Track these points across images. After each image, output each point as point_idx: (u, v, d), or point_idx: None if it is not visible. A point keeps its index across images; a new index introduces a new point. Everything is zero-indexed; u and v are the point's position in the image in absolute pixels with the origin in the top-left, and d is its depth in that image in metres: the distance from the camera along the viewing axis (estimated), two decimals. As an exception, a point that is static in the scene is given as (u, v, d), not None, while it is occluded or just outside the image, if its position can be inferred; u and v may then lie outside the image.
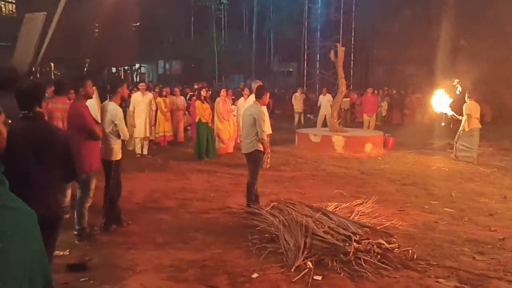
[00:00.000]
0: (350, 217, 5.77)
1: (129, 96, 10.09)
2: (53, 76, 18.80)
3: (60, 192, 3.48)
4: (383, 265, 4.48)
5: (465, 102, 10.72)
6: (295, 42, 35.08)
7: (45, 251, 2.06)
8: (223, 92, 11.88)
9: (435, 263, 4.64)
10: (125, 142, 11.01)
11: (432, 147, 12.61)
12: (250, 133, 6.34)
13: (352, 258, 4.49)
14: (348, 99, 18.45)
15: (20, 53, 7.51)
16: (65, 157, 3.23)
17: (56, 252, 4.81)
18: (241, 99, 11.84)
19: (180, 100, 13.13)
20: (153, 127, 11.77)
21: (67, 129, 5.45)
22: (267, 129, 9.69)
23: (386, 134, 13.11)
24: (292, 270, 4.38)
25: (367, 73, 36.32)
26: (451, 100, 10.67)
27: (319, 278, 4.26)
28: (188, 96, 14.41)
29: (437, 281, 4.24)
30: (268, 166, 9.67)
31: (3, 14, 22.76)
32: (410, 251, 4.80)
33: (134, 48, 13.23)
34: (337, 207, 6.37)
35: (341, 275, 4.33)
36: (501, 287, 4.18)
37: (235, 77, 37.05)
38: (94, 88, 5.55)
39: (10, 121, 2.42)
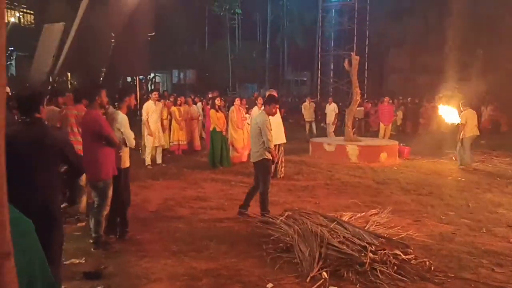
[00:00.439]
0: (365, 227, 5.70)
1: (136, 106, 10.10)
2: (69, 85, 19.09)
3: (58, 192, 3.64)
4: (400, 277, 4.41)
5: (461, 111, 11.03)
6: (309, 51, 35.15)
7: (45, 259, 2.07)
8: (237, 101, 11.92)
9: (453, 275, 4.56)
10: (140, 150, 11.08)
11: (448, 157, 12.46)
12: (257, 142, 6.43)
13: (368, 269, 4.43)
14: (362, 108, 18.39)
15: (38, 63, 7.65)
16: (63, 157, 3.49)
17: (72, 260, 4.87)
18: (255, 108, 11.83)
19: (194, 109, 13.21)
20: (166, 135, 11.78)
21: (81, 137, 5.51)
22: (279, 138, 9.72)
23: (401, 144, 13.02)
24: (307, 281, 4.35)
25: (381, 82, 36.17)
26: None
27: (335, 288, 4.22)
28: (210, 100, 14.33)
29: (455, 293, 4.18)
30: (282, 175, 9.65)
31: (22, 25, 23.20)
32: (427, 262, 4.73)
33: (149, 57, 13.36)
34: (352, 217, 6.31)
35: (357, 286, 4.28)
36: (521, 300, 4.10)
37: (249, 86, 37.21)
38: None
39: None
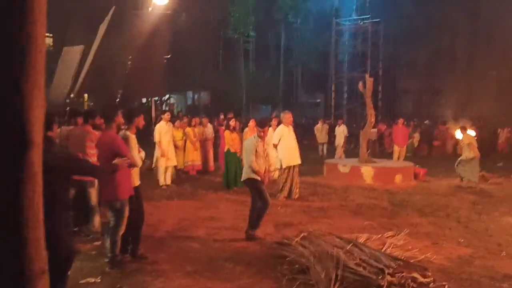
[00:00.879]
0: (382, 249, 5.63)
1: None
2: (86, 106, 19.40)
3: (66, 208, 3.80)
4: (418, 300, 4.34)
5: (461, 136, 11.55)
6: (322, 73, 35.34)
7: None
8: (251, 122, 11.97)
9: (473, 299, 4.47)
10: (153, 170, 11.13)
11: (465, 179, 12.28)
12: (245, 161, 6.66)
13: (385, 292, 4.36)
14: (375, 129, 18.33)
15: (57, 84, 7.81)
16: (70, 174, 3.72)
17: (88, 279, 4.89)
18: (270, 129, 11.89)
19: (209, 130, 13.30)
20: (180, 156, 11.83)
21: (98, 157, 5.56)
22: (294, 160, 9.71)
23: (417, 165, 12.90)
24: (324, 303, 4.29)
25: (394, 104, 36.13)
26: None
27: (352, 311, 4.15)
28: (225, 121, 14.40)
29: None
30: (296, 196, 9.62)
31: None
32: (446, 286, 4.65)
33: (164, 79, 13.57)
34: (368, 238, 6.22)
35: (375, 309, 4.21)
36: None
37: (263, 107, 37.37)
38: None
39: None
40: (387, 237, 6.38)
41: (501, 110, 23.95)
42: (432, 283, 4.66)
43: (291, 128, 9.95)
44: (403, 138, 15.55)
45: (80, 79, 7.65)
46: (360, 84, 12.94)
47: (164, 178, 10.75)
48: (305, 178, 11.70)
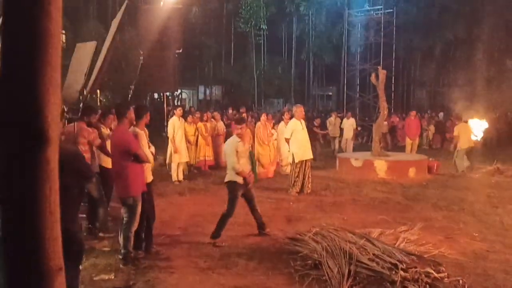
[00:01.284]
0: (395, 244, 5.59)
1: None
2: (99, 102, 19.53)
3: (75, 203, 3.85)
4: (432, 296, 4.31)
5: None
6: (334, 65, 35.11)
7: None
8: (263, 116, 11.97)
9: (488, 295, 4.42)
10: (167, 167, 11.20)
11: (480, 171, 12.15)
12: (227, 164, 6.37)
13: (399, 287, 4.34)
14: (385, 122, 18.15)
15: (70, 81, 7.84)
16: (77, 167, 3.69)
17: (102, 276, 4.94)
18: (282, 123, 11.89)
19: (221, 125, 13.31)
20: (192, 151, 11.88)
21: (111, 154, 5.60)
22: (306, 154, 9.67)
23: (430, 159, 12.77)
24: (337, 299, 4.28)
25: (408, 96, 35.79)
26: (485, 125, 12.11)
27: (365, 307, 4.13)
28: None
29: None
30: (309, 191, 9.60)
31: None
32: (461, 281, 4.60)
33: (176, 74, 13.58)
34: (381, 233, 6.18)
35: (388, 305, 4.19)
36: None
37: (275, 101, 37.30)
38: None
39: None
40: (401, 232, 6.33)
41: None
42: (446, 278, 4.62)
43: (303, 122, 9.90)
44: (415, 131, 15.44)
45: (93, 76, 7.68)
46: (373, 76, 12.84)
47: (177, 174, 10.81)
48: (318, 172, 11.66)
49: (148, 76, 13.40)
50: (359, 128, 16.89)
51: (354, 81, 31.10)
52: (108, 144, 6.65)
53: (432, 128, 19.98)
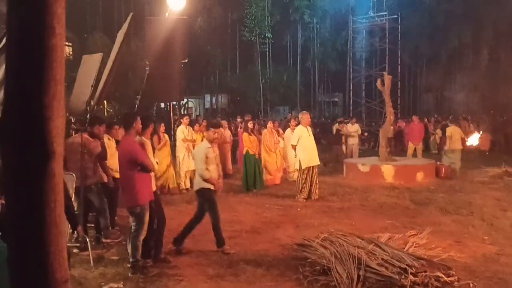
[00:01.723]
0: (404, 248, 5.56)
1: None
2: (106, 113, 19.67)
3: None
4: (442, 300, 4.27)
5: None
6: (340, 72, 35.16)
7: None
8: (269, 124, 12.00)
9: (499, 298, 4.38)
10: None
11: (487, 175, 12.07)
12: (196, 170, 6.23)
13: (408, 292, 4.31)
14: (391, 128, 18.06)
15: (77, 93, 7.91)
16: None
17: (111, 285, 4.95)
18: (288, 130, 11.91)
19: (228, 133, 13.34)
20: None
21: (119, 163, 5.64)
22: (313, 160, 9.66)
23: (438, 162, 12.71)
24: (346, 304, 4.26)
25: (415, 101, 35.69)
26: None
27: (375, 312, 4.11)
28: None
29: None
30: (316, 197, 9.58)
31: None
32: (471, 284, 4.57)
33: (182, 84, 13.66)
34: (390, 238, 6.16)
35: (398, 309, 4.16)
36: None
37: (281, 108, 37.34)
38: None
39: None
40: (410, 236, 6.31)
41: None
42: (456, 282, 4.59)
43: (309, 128, 9.91)
44: (418, 135, 15.39)
45: (100, 87, 7.73)
46: (379, 82, 12.84)
47: (184, 182, 10.85)
48: (325, 178, 11.64)
49: (154, 86, 13.49)
50: (365, 134, 16.78)
51: (360, 87, 31.10)
52: (114, 155, 6.72)
53: (439, 132, 19.87)
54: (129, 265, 5.34)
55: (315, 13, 34.65)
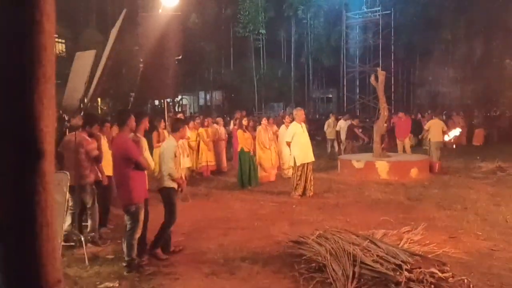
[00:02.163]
0: (399, 244, 5.58)
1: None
2: (100, 110, 19.57)
3: None
4: (437, 296, 4.29)
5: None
6: (334, 68, 35.17)
7: None
8: (264, 120, 11.99)
9: (493, 293, 4.41)
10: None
11: (481, 170, 12.14)
12: (161, 167, 5.90)
13: (403, 288, 4.33)
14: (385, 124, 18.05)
15: (71, 90, 7.85)
16: None
17: (106, 284, 4.94)
18: (282, 126, 11.91)
19: (223, 130, 13.32)
20: (191, 157, 11.89)
21: (113, 162, 5.61)
22: (308, 157, 9.65)
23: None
24: (342, 301, 4.27)
25: (408, 96, 35.79)
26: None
27: (370, 309, 4.12)
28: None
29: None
30: (311, 193, 9.59)
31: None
32: (466, 280, 4.58)
33: (176, 80, 13.61)
34: (385, 234, 6.17)
35: (393, 306, 4.17)
36: None
37: (275, 105, 37.32)
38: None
39: None
40: (404, 232, 6.32)
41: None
42: (451, 278, 4.60)
43: (304, 125, 9.91)
44: (404, 131, 15.40)
45: (93, 84, 7.68)
46: (372, 78, 12.86)
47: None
48: (319, 174, 11.66)
49: (148, 83, 13.39)
50: (360, 130, 16.78)
51: (354, 83, 31.19)
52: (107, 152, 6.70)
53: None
54: (124, 264, 5.33)
55: (308, 8, 34.59)
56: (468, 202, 8.57)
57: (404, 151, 14.84)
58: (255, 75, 34.03)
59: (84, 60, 8.42)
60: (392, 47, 29.71)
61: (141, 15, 14.70)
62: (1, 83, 1.61)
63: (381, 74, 12.51)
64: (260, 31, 34.05)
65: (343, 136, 16.05)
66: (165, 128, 10.65)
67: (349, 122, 16.51)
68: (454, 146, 17.51)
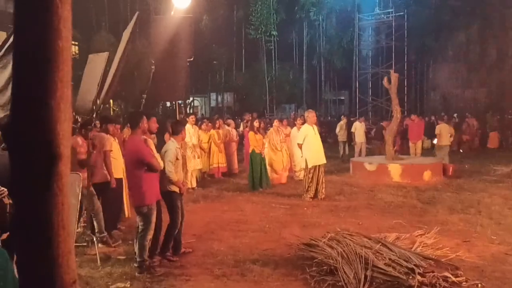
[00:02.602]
0: (411, 248, 5.53)
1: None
2: (112, 112, 19.72)
3: None
4: (451, 300, 4.24)
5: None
6: (346, 70, 35.01)
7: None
8: (275, 122, 11.98)
9: (508, 299, 4.34)
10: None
11: (496, 173, 11.98)
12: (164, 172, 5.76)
13: (416, 293, 4.28)
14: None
15: (84, 92, 7.94)
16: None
17: (118, 284, 4.96)
18: (294, 128, 11.88)
19: (234, 132, 13.33)
20: (205, 158, 11.93)
21: (125, 163, 5.64)
22: (320, 159, 9.62)
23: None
24: (353, 305, 4.23)
25: (421, 98, 35.51)
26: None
27: (382, 313, 4.08)
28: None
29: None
30: (323, 196, 9.54)
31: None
32: (479, 285, 4.53)
33: (188, 82, 13.66)
34: (397, 238, 6.12)
35: (406, 310, 4.13)
36: None
37: (286, 106, 37.28)
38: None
39: None
40: (417, 236, 6.27)
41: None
42: (464, 282, 4.56)
43: (315, 127, 9.88)
44: (416, 134, 15.25)
45: (106, 86, 7.77)
46: (385, 80, 12.78)
47: (190, 181, 10.84)
48: (331, 177, 11.61)
49: (160, 85, 13.48)
50: (372, 132, 16.67)
51: (366, 85, 31.03)
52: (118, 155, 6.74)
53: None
54: (136, 265, 5.35)
55: (320, 10, 34.50)
56: (482, 206, 8.46)
57: (415, 153, 14.71)
58: (266, 77, 34.03)
59: (96, 62, 8.53)
60: (405, 49, 29.51)
61: (154, 18, 14.79)
62: (20, 88, 1.64)
63: (394, 76, 12.42)
64: (271, 33, 34.03)
65: (357, 138, 15.94)
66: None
67: (363, 124, 16.41)
68: (461, 150, 17.35)
